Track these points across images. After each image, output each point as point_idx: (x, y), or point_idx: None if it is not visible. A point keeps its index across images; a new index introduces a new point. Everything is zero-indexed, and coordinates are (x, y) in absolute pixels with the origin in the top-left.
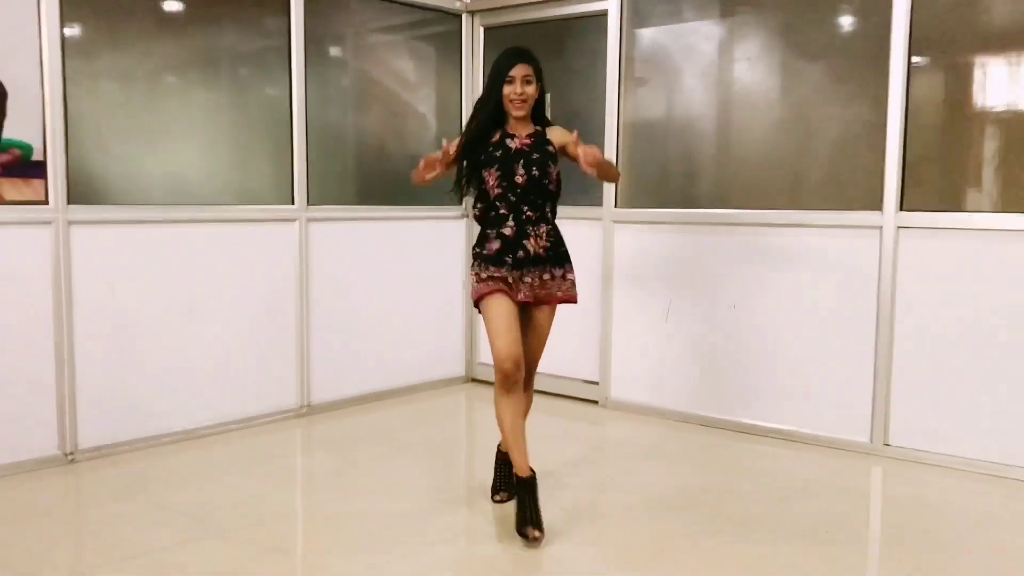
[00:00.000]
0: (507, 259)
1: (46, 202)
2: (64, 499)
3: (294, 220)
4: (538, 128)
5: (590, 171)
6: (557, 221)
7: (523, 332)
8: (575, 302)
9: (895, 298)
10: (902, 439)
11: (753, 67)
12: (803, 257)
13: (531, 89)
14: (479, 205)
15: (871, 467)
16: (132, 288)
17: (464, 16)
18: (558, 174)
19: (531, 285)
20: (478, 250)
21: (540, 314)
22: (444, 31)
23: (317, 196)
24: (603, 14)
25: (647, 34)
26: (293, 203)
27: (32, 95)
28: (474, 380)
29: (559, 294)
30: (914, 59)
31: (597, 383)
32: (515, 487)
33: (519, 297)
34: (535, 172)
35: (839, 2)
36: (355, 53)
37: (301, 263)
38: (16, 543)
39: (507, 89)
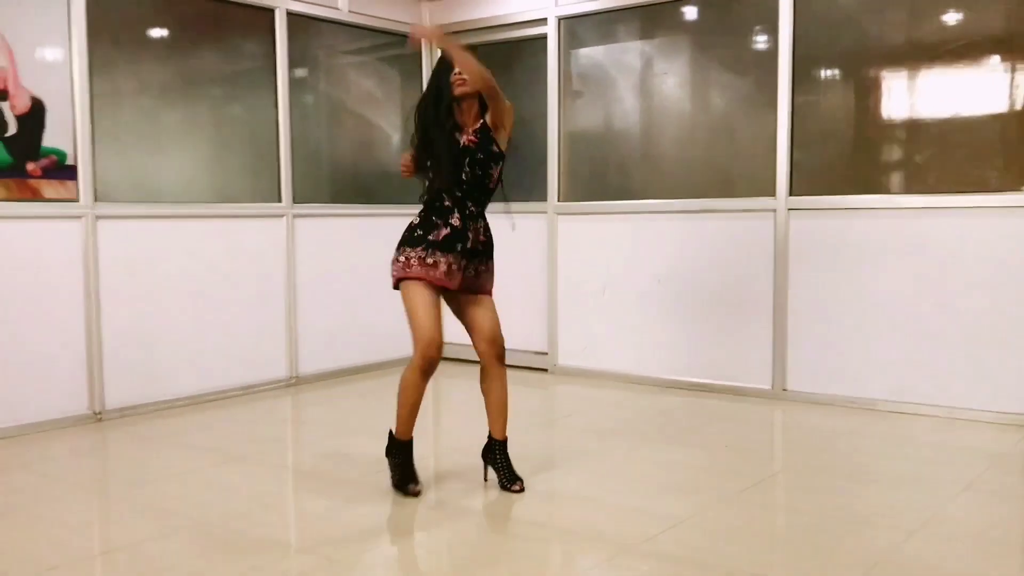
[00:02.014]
0: (457, 246)
1: (77, 200)
2: (96, 447)
3: (282, 216)
4: (484, 121)
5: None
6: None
7: (465, 316)
8: (490, 294)
9: (788, 268)
10: (798, 384)
11: (670, 80)
12: (712, 237)
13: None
14: (428, 193)
15: (766, 407)
16: (149, 272)
17: (423, 40)
18: (500, 171)
19: (468, 276)
20: (421, 233)
21: (479, 300)
22: (407, 54)
23: (301, 195)
24: (543, 37)
25: (582, 53)
26: (281, 201)
27: (65, 109)
28: (444, 359)
29: (489, 287)
30: (796, 72)
31: (546, 353)
32: (394, 450)
33: (453, 285)
34: (478, 171)
35: (738, 27)
36: (329, 73)
37: (288, 253)
38: (64, 480)
39: (452, 76)
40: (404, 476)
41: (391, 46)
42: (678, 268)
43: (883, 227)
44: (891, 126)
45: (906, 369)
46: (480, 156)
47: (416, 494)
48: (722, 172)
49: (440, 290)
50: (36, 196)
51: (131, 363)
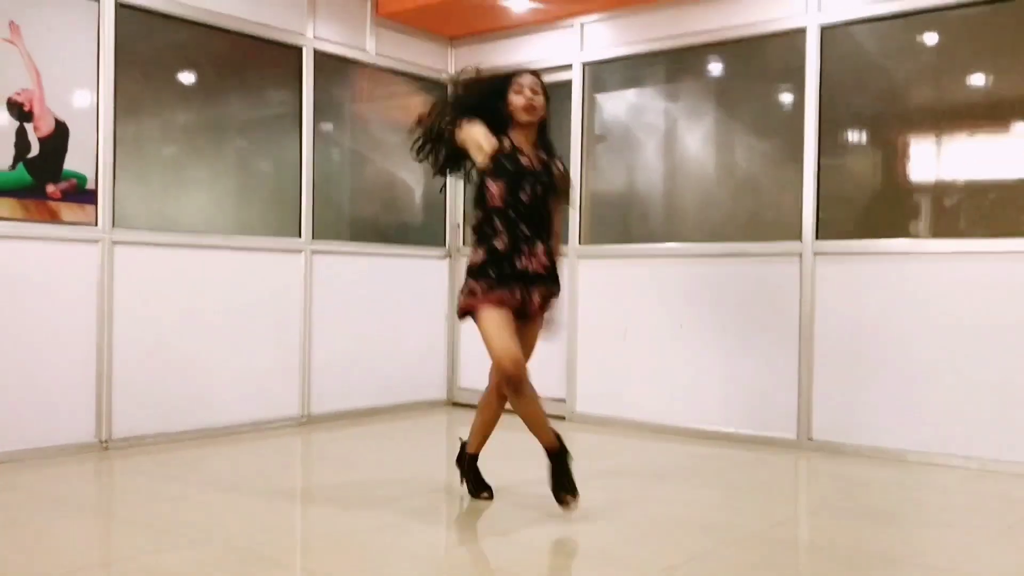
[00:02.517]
0: (491, 273)
1: (95, 224)
2: (101, 473)
3: (300, 252)
4: (542, 153)
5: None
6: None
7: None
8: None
9: (814, 314)
10: (825, 434)
11: (696, 129)
12: (737, 281)
13: (540, 100)
14: (477, 212)
15: (791, 456)
16: (164, 301)
17: (449, 85)
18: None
19: (533, 301)
20: (479, 263)
21: (534, 326)
22: (431, 98)
23: (320, 232)
24: (567, 83)
25: (606, 98)
26: (300, 236)
27: (88, 135)
28: (455, 404)
29: (543, 316)
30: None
31: (564, 400)
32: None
33: (530, 310)
34: (539, 191)
35: (763, 70)
36: (355, 113)
37: (306, 289)
38: (64, 510)
39: (516, 98)
40: (476, 485)
41: (417, 91)
42: (702, 313)
43: (912, 272)
44: (920, 172)
45: (937, 419)
46: (545, 179)
47: (487, 499)
48: (748, 215)
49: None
50: (54, 218)
51: (141, 392)
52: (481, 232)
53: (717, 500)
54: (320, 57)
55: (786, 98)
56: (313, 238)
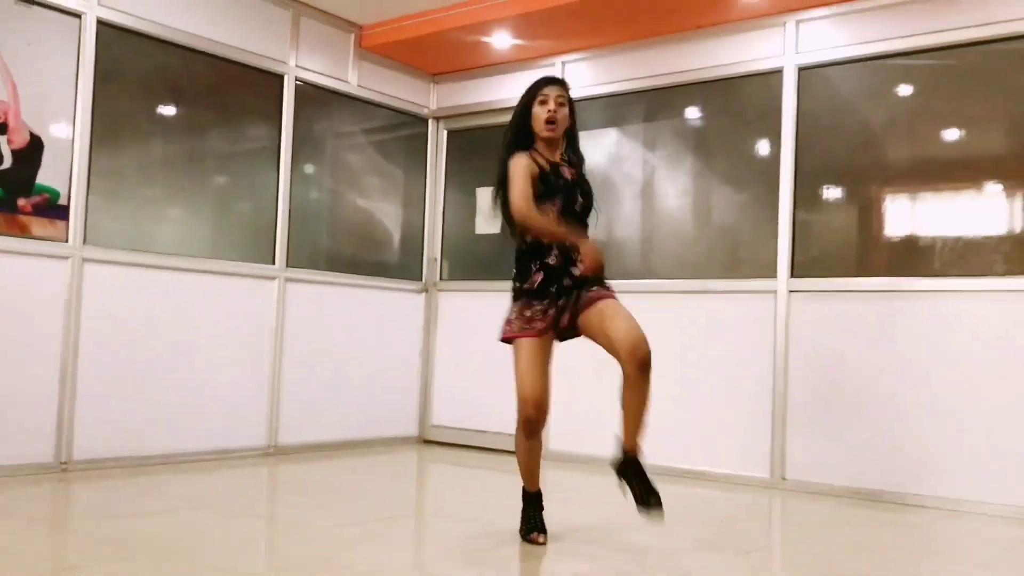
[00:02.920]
0: (551, 289)
1: (66, 240)
2: (58, 492)
3: (275, 279)
4: (572, 160)
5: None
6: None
7: (598, 334)
8: (614, 297)
9: (788, 352)
10: (798, 473)
11: (675, 166)
12: (710, 318)
13: (564, 112)
14: (527, 239)
15: (764, 495)
16: (132, 322)
17: (430, 120)
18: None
19: (570, 304)
20: (519, 284)
21: (601, 309)
22: (412, 133)
23: (295, 260)
24: None
25: (586, 137)
26: (275, 263)
27: (64, 150)
28: (426, 441)
29: (601, 292)
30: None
31: None
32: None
33: (563, 323)
34: (584, 201)
35: (744, 137)
36: (335, 144)
37: (278, 317)
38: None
39: (539, 109)
40: (529, 526)
41: (397, 125)
42: (673, 349)
43: (888, 310)
44: (896, 209)
45: (910, 459)
46: (586, 187)
47: (539, 543)
48: (724, 253)
49: (555, 335)
50: (25, 232)
51: (105, 415)
52: (532, 255)
53: (684, 533)
54: (302, 86)
55: (763, 137)
56: (288, 266)
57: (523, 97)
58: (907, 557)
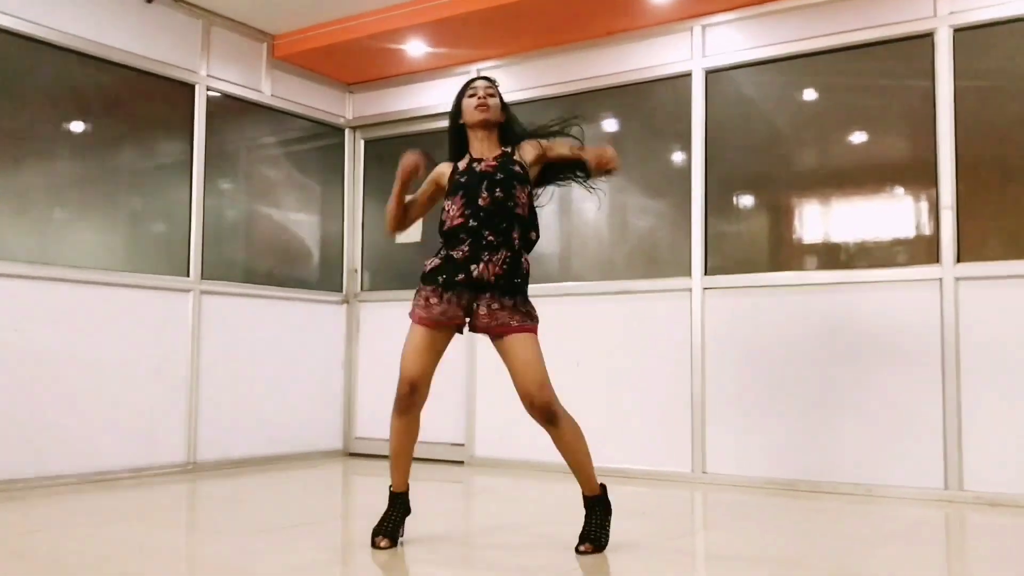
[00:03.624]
0: (439, 278)
1: None
2: None
3: (189, 291)
4: (506, 149)
5: (601, 172)
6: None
7: (508, 366)
8: (533, 332)
9: (705, 348)
10: (719, 466)
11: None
12: (630, 318)
13: (493, 101)
14: (440, 238)
15: (687, 489)
16: (41, 337)
17: (347, 130)
18: (529, 196)
19: (483, 315)
20: (426, 266)
21: (509, 344)
22: (329, 143)
23: (210, 272)
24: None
25: None
26: (189, 276)
27: None
28: (351, 455)
29: (514, 323)
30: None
31: (463, 444)
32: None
33: (477, 325)
34: (498, 194)
35: (657, 141)
36: (249, 155)
37: (194, 330)
38: None
39: (468, 100)
40: (380, 527)
41: (313, 136)
42: (594, 349)
43: (797, 304)
44: (802, 212)
45: (823, 448)
46: (500, 176)
47: (380, 547)
48: (641, 254)
49: (451, 330)
50: None
51: (12, 433)
52: (444, 244)
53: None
54: (214, 96)
55: (675, 140)
56: (203, 278)
57: (455, 100)
58: (821, 537)
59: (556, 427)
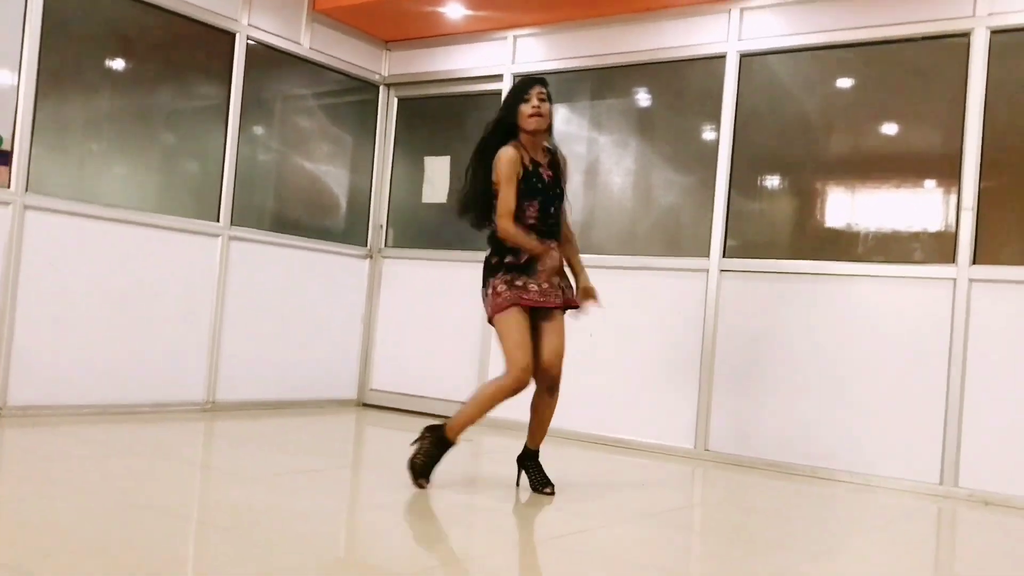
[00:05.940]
0: (540, 267)
1: (8, 186)
2: None
3: (218, 236)
4: (550, 150)
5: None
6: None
7: (542, 336)
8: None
9: (716, 330)
10: (721, 445)
11: (620, 145)
12: (644, 295)
13: (546, 107)
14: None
15: (688, 465)
16: (72, 271)
17: (382, 87)
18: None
19: (556, 294)
20: (512, 259)
21: (557, 320)
22: (363, 99)
23: (240, 219)
24: (498, 93)
25: None
26: (219, 221)
27: (9, 96)
28: (365, 405)
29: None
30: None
31: None
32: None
33: (554, 302)
34: (552, 211)
35: (687, 121)
36: (284, 105)
37: (220, 274)
38: None
39: (524, 107)
40: (425, 469)
41: (348, 90)
42: (608, 322)
43: (811, 292)
44: (824, 201)
45: (824, 435)
46: (558, 191)
47: (421, 487)
48: (663, 231)
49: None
50: None
51: (42, 363)
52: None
53: (608, 497)
54: (253, 46)
55: (705, 121)
56: (232, 224)
57: (507, 97)
58: (806, 521)
59: (553, 396)
